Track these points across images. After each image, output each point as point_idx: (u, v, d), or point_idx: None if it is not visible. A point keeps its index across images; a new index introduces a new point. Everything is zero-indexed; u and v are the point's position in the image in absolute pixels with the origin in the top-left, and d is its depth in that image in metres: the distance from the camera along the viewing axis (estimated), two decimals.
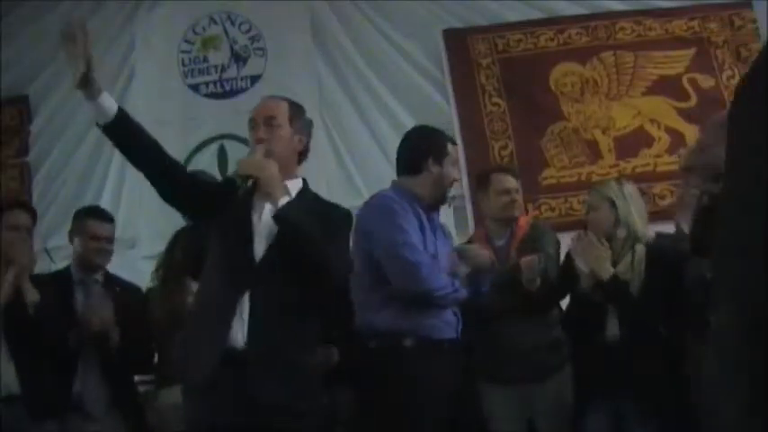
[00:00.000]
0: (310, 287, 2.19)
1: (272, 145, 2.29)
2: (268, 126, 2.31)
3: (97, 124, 2.16)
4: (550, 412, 3.08)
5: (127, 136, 2.18)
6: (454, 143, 2.95)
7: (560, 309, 3.29)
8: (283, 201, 2.18)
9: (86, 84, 2.06)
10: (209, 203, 2.30)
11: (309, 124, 2.45)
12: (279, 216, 2.16)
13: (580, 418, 2.89)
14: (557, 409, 3.07)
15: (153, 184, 2.26)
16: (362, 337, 2.65)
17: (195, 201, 2.30)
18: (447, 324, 2.66)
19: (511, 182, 3.32)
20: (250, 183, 2.20)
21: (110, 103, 2.13)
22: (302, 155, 2.41)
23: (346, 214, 2.39)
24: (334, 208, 2.40)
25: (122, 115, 2.15)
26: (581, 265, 2.93)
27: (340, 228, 2.33)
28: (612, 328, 2.82)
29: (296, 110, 2.39)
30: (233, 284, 2.18)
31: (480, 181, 3.47)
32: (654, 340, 2.82)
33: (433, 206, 2.80)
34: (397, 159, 2.85)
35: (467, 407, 2.66)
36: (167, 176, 2.25)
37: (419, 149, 2.78)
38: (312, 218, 2.21)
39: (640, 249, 2.89)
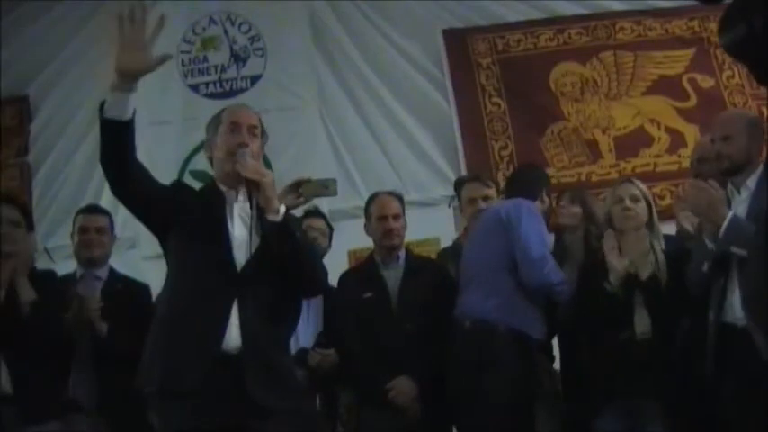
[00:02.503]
0: (295, 292, 2.23)
1: (253, 152, 2.29)
2: (251, 134, 2.31)
3: (105, 118, 2.20)
4: (549, 411, 3.08)
5: (127, 140, 2.25)
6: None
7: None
8: (282, 209, 2.19)
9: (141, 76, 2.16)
10: (157, 204, 2.27)
11: (266, 141, 2.45)
12: (283, 224, 2.18)
13: (595, 418, 2.81)
14: (554, 407, 3.07)
15: (110, 174, 2.29)
16: (460, 317, 2.92)
17: (144, 198, 2.26)
18: (539, 324, 2.92)
19: (478, 190, 3.30)
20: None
21: (132, 105, 2.23)
22: None
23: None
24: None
25: (133, 119, 2.22)
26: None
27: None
28: (641, 326, 2.73)
29: (263, 126, 2.40)
30: (221, 289, 2.16)
31: (456, 189, 3.53)
32: (682, 339, 2.76)
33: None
34: (515, 182, 3.20)
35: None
36: (130, 175, 2.26)
37: (537, 179, 3.15)
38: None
39: (658, 248, 2.86)
